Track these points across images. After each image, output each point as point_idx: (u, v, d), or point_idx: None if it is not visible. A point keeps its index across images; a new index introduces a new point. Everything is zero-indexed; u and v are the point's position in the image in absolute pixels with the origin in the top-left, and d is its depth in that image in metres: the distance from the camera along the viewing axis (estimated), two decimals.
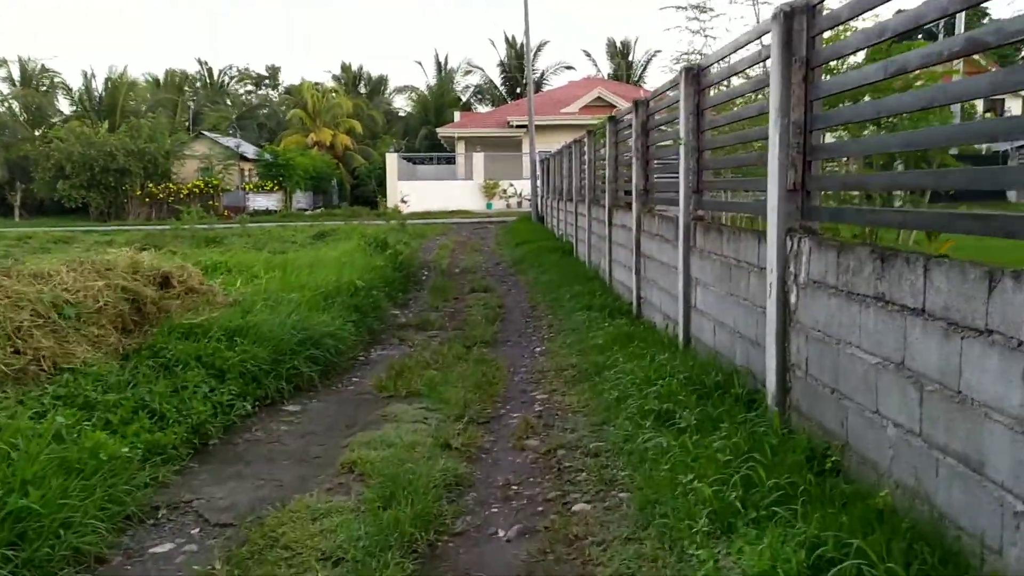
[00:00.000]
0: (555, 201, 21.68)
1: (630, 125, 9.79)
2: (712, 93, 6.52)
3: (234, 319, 6.68)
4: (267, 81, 74.99)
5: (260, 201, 38.92)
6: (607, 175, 11.28)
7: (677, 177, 6.88)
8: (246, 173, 42.07)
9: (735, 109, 6.47)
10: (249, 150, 43.25)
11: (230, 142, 42.85)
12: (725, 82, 6.75)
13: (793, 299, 4.32)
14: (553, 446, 5.06)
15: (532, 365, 7.35)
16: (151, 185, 37.96)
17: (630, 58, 59.80)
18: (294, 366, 6.62)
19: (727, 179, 6.72)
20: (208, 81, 64.65)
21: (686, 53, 10.07)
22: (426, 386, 6.47)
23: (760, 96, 6.01)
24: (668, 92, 7.98)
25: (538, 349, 8.10)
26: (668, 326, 7.37)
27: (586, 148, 13.82)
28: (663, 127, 8.22)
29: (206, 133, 44.03)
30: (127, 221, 35.47)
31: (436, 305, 11.02)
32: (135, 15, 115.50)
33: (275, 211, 37.99)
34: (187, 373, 5.74)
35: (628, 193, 11.22)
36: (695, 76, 6.53)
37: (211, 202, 38.21)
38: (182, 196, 37.69)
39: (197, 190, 38.45)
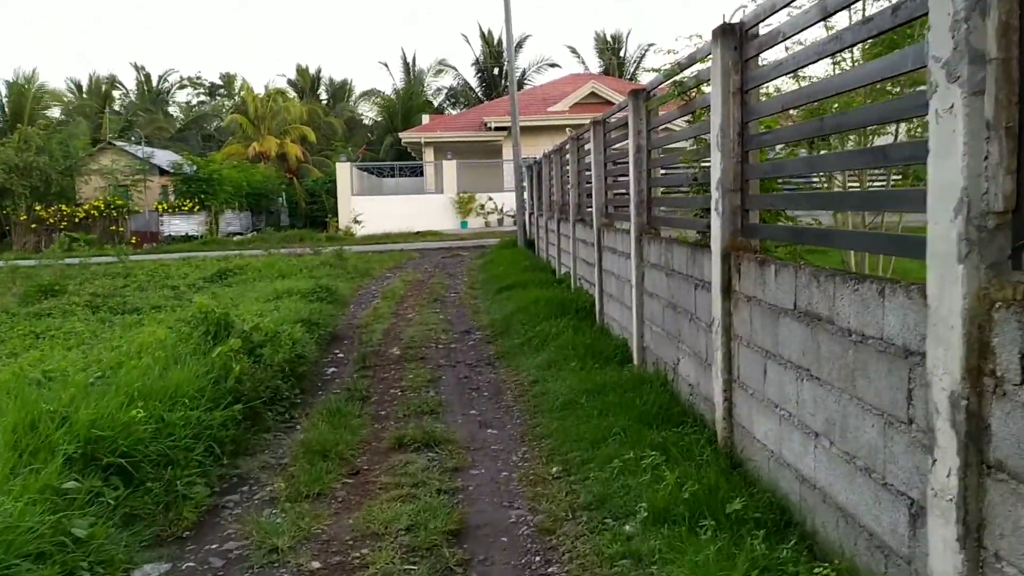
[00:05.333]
0: (552, 222, 14.65)
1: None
2: None
3: None
4: (221, 90, 67.83)
5: (178, 224, 31.11)
6: (719, 175, 4.36)
7: None
8: (169, 191, 34.54)
9: None
10: (170, 162, 35.59)
11: (139, 151, 34.96)
12: None
13: None
14: None
15: None
16: (38, 208, 30.32)
17: (622, 53, 53.21)
18: None
19: None
20: (146, 88, 57.20)
21: None
22: None
23: None
24: None
25: None
26: None
27: (632, 132, 6.86)
28: None
29: (114, 143, 36.26)
30: (7, 253, 28.02)
31: (293, 532, 3.94)
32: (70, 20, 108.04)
33: (197, 237, 30.41)
34: None
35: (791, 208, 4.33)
36: None
37: (115, 227, 30.66)
38: (78, 220, 30.10)
39: (96, 212, 30.78)
